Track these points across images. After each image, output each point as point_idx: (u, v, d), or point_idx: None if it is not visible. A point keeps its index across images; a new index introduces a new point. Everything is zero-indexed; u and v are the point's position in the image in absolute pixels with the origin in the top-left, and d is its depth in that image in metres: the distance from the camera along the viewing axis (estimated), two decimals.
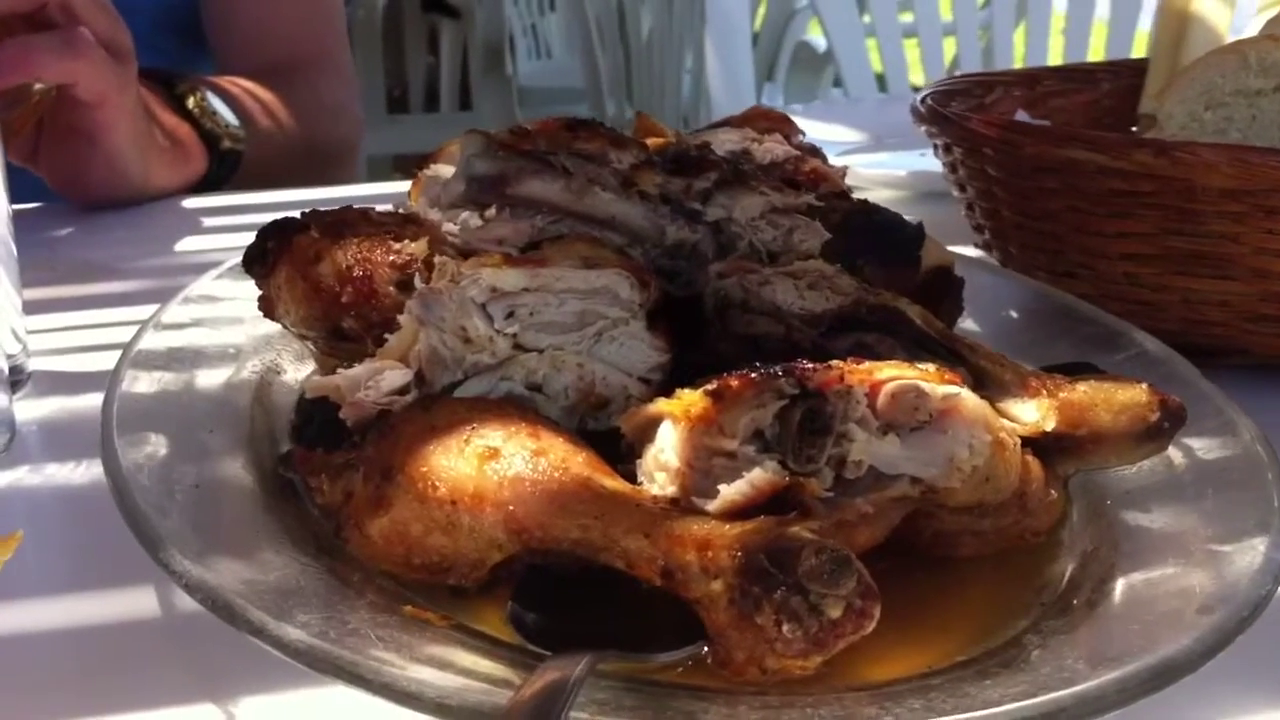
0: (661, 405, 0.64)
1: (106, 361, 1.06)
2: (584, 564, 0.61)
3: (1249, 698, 0.60)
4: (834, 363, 0.63)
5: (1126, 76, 1.28)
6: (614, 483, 0.62)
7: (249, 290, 0.93)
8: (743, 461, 0.60)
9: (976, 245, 1.09)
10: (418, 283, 0.74)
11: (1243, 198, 0.84)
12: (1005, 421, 0.66)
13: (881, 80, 3.39)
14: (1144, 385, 0.68)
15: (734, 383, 0.62)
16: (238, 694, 0.62)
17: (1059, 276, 0.96)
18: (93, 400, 0.98)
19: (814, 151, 1.03)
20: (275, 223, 0.91)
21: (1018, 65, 3.31)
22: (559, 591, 0.63)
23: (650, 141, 0.89)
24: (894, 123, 1.93)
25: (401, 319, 0.74)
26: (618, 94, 4.76)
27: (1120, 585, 0.61)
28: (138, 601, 0.70)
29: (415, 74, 5.37)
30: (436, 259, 0.75)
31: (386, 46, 5.24)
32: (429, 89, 5.40)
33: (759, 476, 0.59)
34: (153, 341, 0.86)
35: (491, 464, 0.62)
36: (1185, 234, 0.87)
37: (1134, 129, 1.24)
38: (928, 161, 1.69)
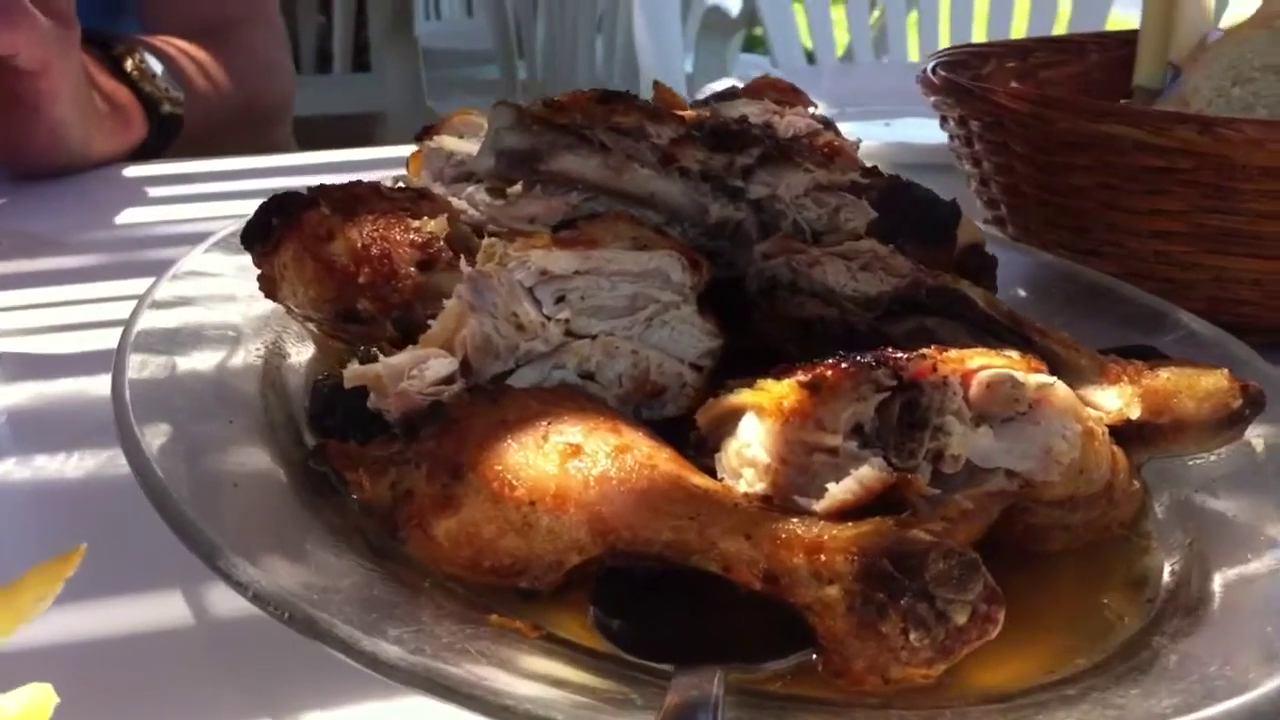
0: (745, 397, 0.61)
1: (73, 343, 1.01)
2: (666, 565, 0.58)
3: None
4: (925, 351, 0.61)
5: (1114, 48, 1.26)
6: (705, 481, 0.59)
7: (239, 264, 0.88)
8: (845, 458, 0.57)
9: (987, 220, 1.07)
10: (464, 267, 0.70)
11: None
12: (1089, 410, 0.64)
13: (808, 51, 3.38)
14: (1224, 371, 0.66)
15: (830, 374, 0.59)
16: (298, 708, 0.58)
17: (1082, 254, 0.94)
18: (71, 385, 0.93)
19: (828, 124, 1.00)
20: (279, 197, 0.85)
21: (944, 37, 3.31)
22: (640, 594, 0.60)
23: (681, 114, 0.85)
24: (851, 92, 1.93)
25: (447, 304, 0.70)
26: (528, 56, 4.69)
27: (1224, 580, 0.60)
28: (165, 609, 0.66)
29: (306, 35, 5.22)
30: (485, 240, 0.70)
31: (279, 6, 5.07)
32: (320, 50, 5.26)
33: (868, 475, 0.56)
34: (150, 322, 0.81)
35: (574, 462, 0.59)
36: (1221, 211, 0.86)
37: (1124, 101, 1.23)
38: (894, 131, 1.68)
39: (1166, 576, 0.62)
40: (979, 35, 3.32)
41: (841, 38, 3.44)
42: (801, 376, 0.59)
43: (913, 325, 0.72)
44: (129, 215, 1.40)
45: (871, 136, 1.62)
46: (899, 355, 0.60)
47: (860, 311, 0.73)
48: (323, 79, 5.16)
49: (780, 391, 0.59)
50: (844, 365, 0.59)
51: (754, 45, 5.13)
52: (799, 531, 0.54)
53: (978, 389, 0.60)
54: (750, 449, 0.60)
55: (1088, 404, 0.65)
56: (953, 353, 0.61)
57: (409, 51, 5.12)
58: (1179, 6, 1.18)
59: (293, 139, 2.14)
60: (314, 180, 1.31)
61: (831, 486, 0.56)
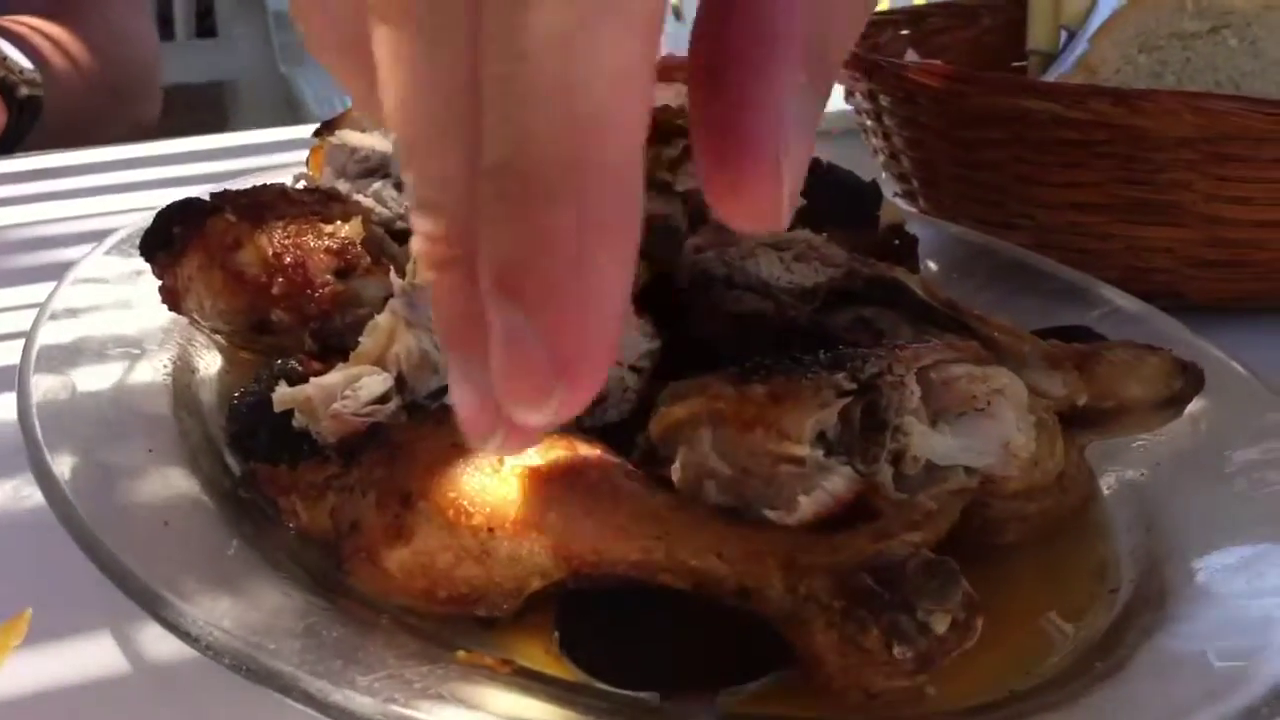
0: (696, 406, 0.59)
1: None
2: (629, 584, 0.57)
3: None
4: (879, 351, 0.60)
5: (1005, 11, 1.27)
6: (669, 497, 0.57)
7: (130, 268, 0.84)
8: (812, 468, 0.56)
9: (897, 194, 1.07)
10: (394, 280, 0.67)
11: (1199, 145, 0.83)
12: (1039, 399, 0.63)
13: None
14: (1166, 352, 0.66)
15: (790, 381, 0.57)
16: None
17: (997, 227, 0.94)
18: None
19: None
20: (179, 204, 0.82)
21: None
22: (605, 616, 0.58)
23: None
24: None
25: (379, 318, 0.67)
26: None
27: (1185, 566, 0.60)
28: (98, 655, 0.62)
29: None
30: (415, 250, 0.67)
31: None
32: (160, 16, 5.06)
33: (839, 484, 0.55)
34: (50, 336, 0.77)
35: (531, 484, 0.56)
36: (1136, 182, 0.86)
37: (1018, 65, 1.24)
38: None
39: (1126, 564, 0.62)
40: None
41: None
42: (759, 385, 0.58)
43: (851, 316, 0.71)
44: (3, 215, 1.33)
45: None
46: (853, 356, 0.59)
47: (798, 304, 0.72)
48: (164, 47, 4.96)
49: (739, 401, 0.58)
50: (798, 371, 0.58)
51: None
52: (771, 544, 0.53)
53: (935, 387, 0.59)
54: (710, 460, 0.58)
55: (1034, 391, 0.65)
56: (908, 350, 0.60)
57: (257, 15, 4.93)
58: None
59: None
60: (208, 165, 1.26)
61: (803, 499, 0.55)
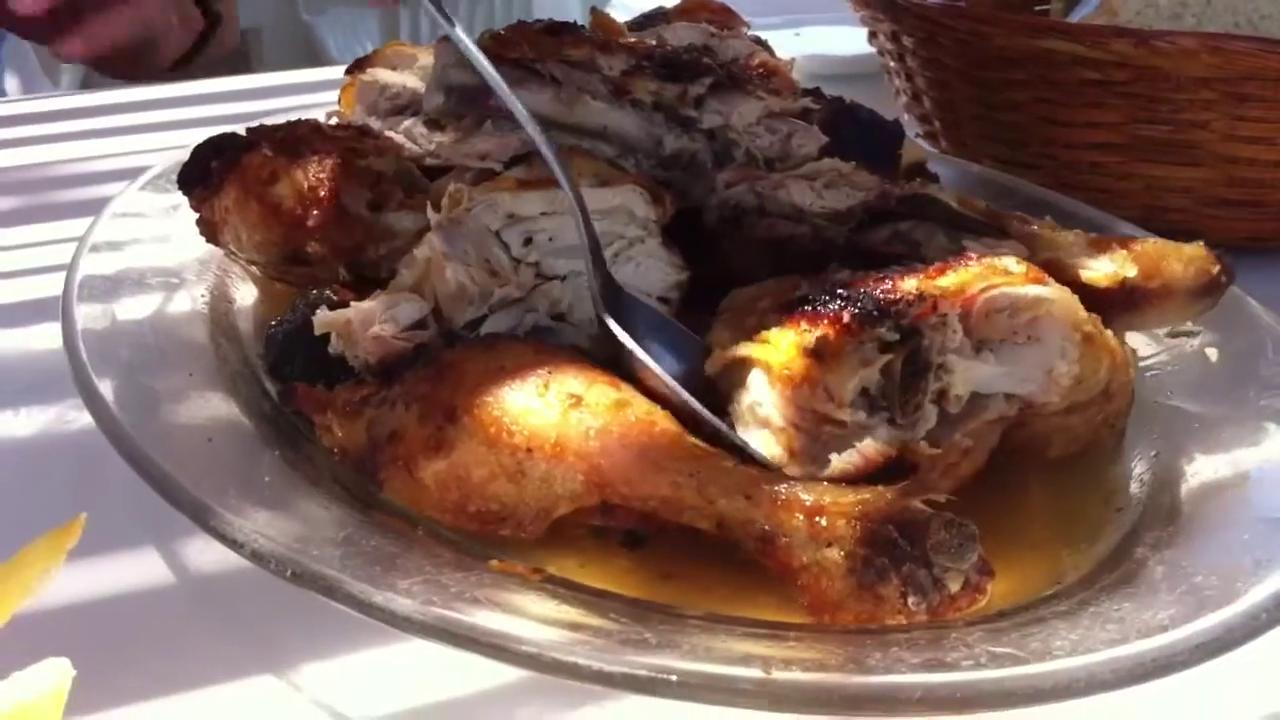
0: (752, 351, 0.61)
1: (35, 288, 0.96)
2: (655, 522, 0.59)
3: None
4: (920, 286, 0.61)
5: None
6: (702, 442, 0.59)
7: (168, 203, 0.86)
8: (853, 429, 0.59)
9: (919, 135, 1.08)
10: (431, 215, 0.69)
11: (1216, 85, 0.85)
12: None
13: None
14: (1200, 243, 0.69)
15: (833, 337, 0.59)
16: (297, 661, 0.58)
17: (1019, 167, 0.96)
18: (8, 338, 0.90)
19: (761, 43, 1.00)
20: (216, 139, 0.84)
21: None
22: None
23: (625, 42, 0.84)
24: (757, 2, 1.92)
25: (416, 251, 0.69)
26: None
27: (1193, 488, 0.62)
28: (146, 567, 0.64)
29: None
30: (451, 187, 0.69)
31: None
32: None
33: (870, 448, 0.58)
34: (92, 267, 0.79)
35: (575, 412, 0.59)
36: (1156, 122, 0.88)
37: (1041, 8, 1.25)
38: (806, 42, 1.68)
39: (1135, 486, 0.64)
40: None
41: None
42: (805, 337, 0.59)
43: (889, 232, 0.73)
44: (40, 153, 1.35)
45: (784, 48, 1.63)
46: (896, 299, 0.60)
47: (834, 226, 0.74)
48: None
49: (786, 356, 0.59)
50: (845, 321, 0.59)
51: None
52: (800, 494, 0.55)
53: (977, 318, 0.61)
54: (762, 409, 0.60)
55: (1081, 269, 0.67)
56: (950, 277, 0.61)
57: None
58: None
59: None
60: (237, 106, 1.27)
61: (834, 458, 0.57)
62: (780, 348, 0.59)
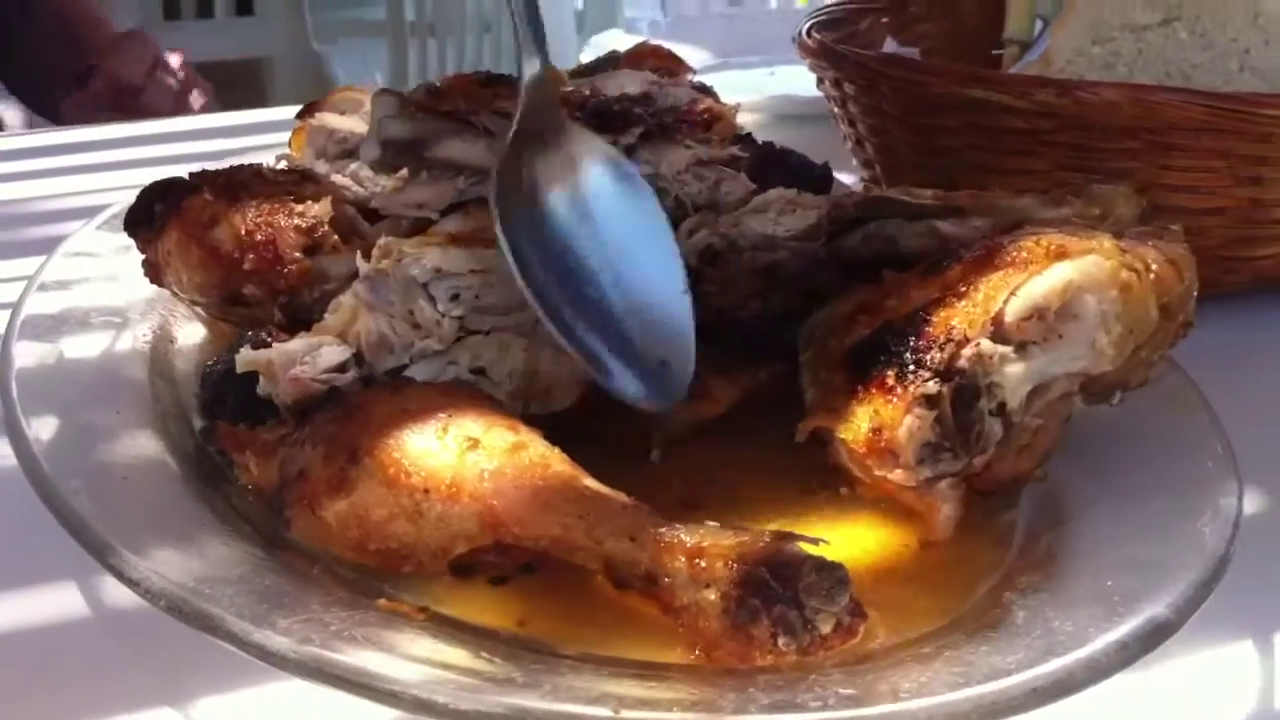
0: (827, 423, 0.67)
1: None
2: (549, 561, 0.61)
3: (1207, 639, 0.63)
4: (951, 324, 0.64)
5: (989, 2, 1.29)
6: (594, 484, 0.61)
7: (120, 243, 0.88)
8: (922, 485, 0.64)
9: (863, 178, 1.10)
10: (360, 264, 0.71)
11: (1140, 135, 0.86)
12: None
13: None
14: (1126, 182, 0.77)
15: (885, 412, 0.63)
16: (196, 694, 0.60)
17: None
18: None
19: (705, 90, 1.01)
20: (160, 183, 0.86)
21: None
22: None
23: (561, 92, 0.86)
24: (736, 40, 1.94)
25: (342, 299, 0.72)
26: None
27: (1074, 532, 0.63)
28: (62, 601, 0.67)
29: None
30: (380, 240, 0.71)
31: None
32: None
33: (948, 497, 0.64)
34: (36, 306, 0.81)
35: (471, 454, 0.60)
36: (1083, 170, 0.89)
37: (997, 53, 1.26)
38: (779, 81, 1.70)
39: (1022, 530, 0.65)
40: None
41: None
42: (865, 410, 0.64)
43: (860, 235, 0.77)
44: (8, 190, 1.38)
45: (755, 87, 1.65)
46: (928, 347, 0.64)
47: (807, 244, 0.77)
48: (205, 24, 5.03)
49: (853, 433, 0.65)
50: (891, 385, 0.64)
51: None
52: (682, 536, 0.57)
53: (1011, 329, 0.64)
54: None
55: (1041, 221, 0.71)
56: (977, 299, 0.65)
57: None
58: None
59: None
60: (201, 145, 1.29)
61: (940, 519, 0.64)
62: (849, 422, 0.65)
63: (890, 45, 1.21)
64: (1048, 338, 0.64)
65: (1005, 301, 0.64)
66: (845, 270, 0.76)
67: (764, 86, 1.66)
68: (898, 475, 0.63)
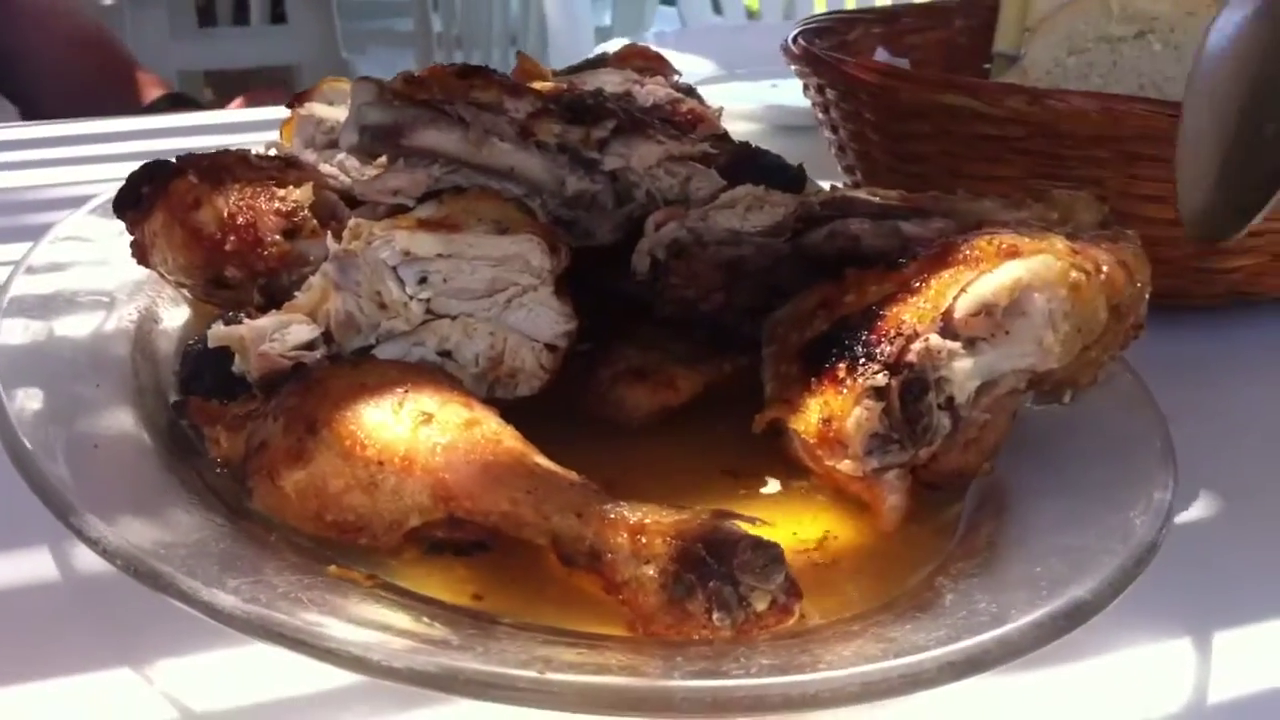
0: (781, 413, 0.69)
1: None
2: (498, 537, 0.62)
3: (1131, 623, 0.65)
4: (901, 319, 0.66)
5: (980, 14, 1.31)
6: (544, 462, 0.63)
7: (115, 229, 0.90)
8: (870, 476, 0.65)
9: (846, 185, 1.11)
10: (330, 244, 0.73)
11: (1108, 144, 0.88)
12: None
13: (716, 3, 3.40)
14: (1086, 190, 0.77)
15: (834, 403, 0.65)
16: (153, 657, 0.62)
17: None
18: None
19: (689, 92, 1.04)
20: (148, 166, 0.88)
21: None
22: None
23: (538, 86, 0.88)
24: (744, 52, 1.96)
25: (313, 278, 0.73)
26: (444, 8, 4.67)
27: (1017, 528, 0.65)
28: (32, 564, 0.69)
29: None
30: (351, 221, 0.73)
31: None
32: (237, 2, 5.21)
33: (895, 487, 0.66)
34: (24, 287, 0.84)
35: (425, 429, 0.62)
36: (1052, 178, 0.91)
37: (987, 66, 1.28)
38: (780, 93, 1.72)
39: (965, 521, 0.67)
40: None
41: None
42: (816, 413, 0.66)
43: (824, 233, 0.78)
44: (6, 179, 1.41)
45: (756, 98, 1.67)
46: (877, 340, 0.66)
47: (771, 240, 0.78)
48: (240, 30, 5.11)
49: (805, 424, 0.67)
50: (841, 378, 0.65)
51: None
52: (625, 513, 0.58)
53: (960, 326, 0.65)
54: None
55: (999, 222, 0.72)
56: (929, 295, 0.66)
57: (322, 2, 5.09)
58: None
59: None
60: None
61: (885, 508, 0.66)
62: (802, 413, 0.67)
63: (881, 55, 1.23)
64: (995, 334, 0.66)
65: (955, 298, 0.66)
66: (810, 267, 0.78)
67: (765, 98, 1.68)
68: (845, 465, 0.65)
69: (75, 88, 1.93)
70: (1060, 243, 0.68)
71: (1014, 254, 0.66)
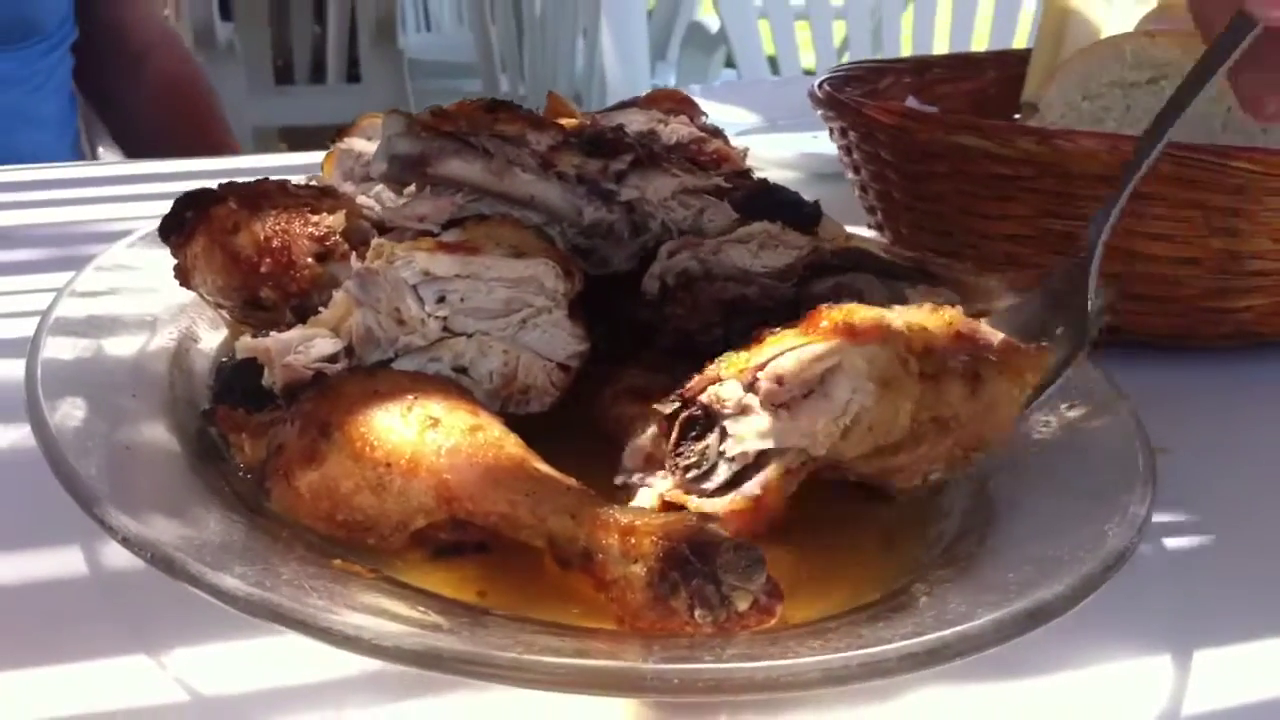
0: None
1: (17, 329, 1.07)
2: (499, 538, 0.65)
3: (1111, 639, 0.66)
4: (729, 361, 0.69)
5: (1011, 66, 1.34)
6: (543, 467, 0.66)
7: (161, 258, 0.95)
8: (634, 487, 0.68)
9: (870, 225, 1.14)
10: (354, 262, 0.77)
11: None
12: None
13: (773, 62, 3.46)
14: None
15: (634, 409, 0.71)
16: (169, 645, 0.65)
17: (947, 255, 1.01)
18: (7, 367, 1.00)
19: (716, 133, 1.07)
20: (192, 193, 0.92)
21: (906, 48, 3.40)
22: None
23: (564, 122, 0.92)
24: (788, 105, 1.99)
25: (336, 294, 0.77)
26: (511, 69, 4.77)
27: (998, 539, 0.67)
28: (64, 560, 0.72)
29: (301, 45, 5.33)
30: (374, 240, 0.77)
31: (272, 16, 5.19)
32: (315, 60, 5.37)
33: (647, 497, 0.68)
34: (69, 309, 0.88)
35: (431, 433, 0.66)
36: (1062, 216, 0.93)
37: (1016, 116, 1.31)
38: (820, 144, 1.74)
39: (953, 531, 0.69)
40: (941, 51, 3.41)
41: (808, 55, 3.53)
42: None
43: (829, 285, 0.80)
44: (65, 213, 1.47)
45: (795, 147, 1.70)
46: (697, 376, 0.69)
47: (778, 283, 0.81)
48: (317, 89, 5.26)
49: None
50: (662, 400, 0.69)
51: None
52: (616, 515, 0.61)
53: (766, 383, 0.67)
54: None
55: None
56: (762, 351, 0.68)
57: (394, 63, 5.23)
58: (1068, 28, 1.26)
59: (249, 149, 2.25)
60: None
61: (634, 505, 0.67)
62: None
63: (911, 104, 1.26)
64: (792, 406, 0.67)
65: (771, 359, 0.67)
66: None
67: (804, 147, 1.71)
68: (621, 477, 0.70)
69: (164, 133, 2.01)
70: (936, 334, 0.69)
71: (851, 334, 0.68)
